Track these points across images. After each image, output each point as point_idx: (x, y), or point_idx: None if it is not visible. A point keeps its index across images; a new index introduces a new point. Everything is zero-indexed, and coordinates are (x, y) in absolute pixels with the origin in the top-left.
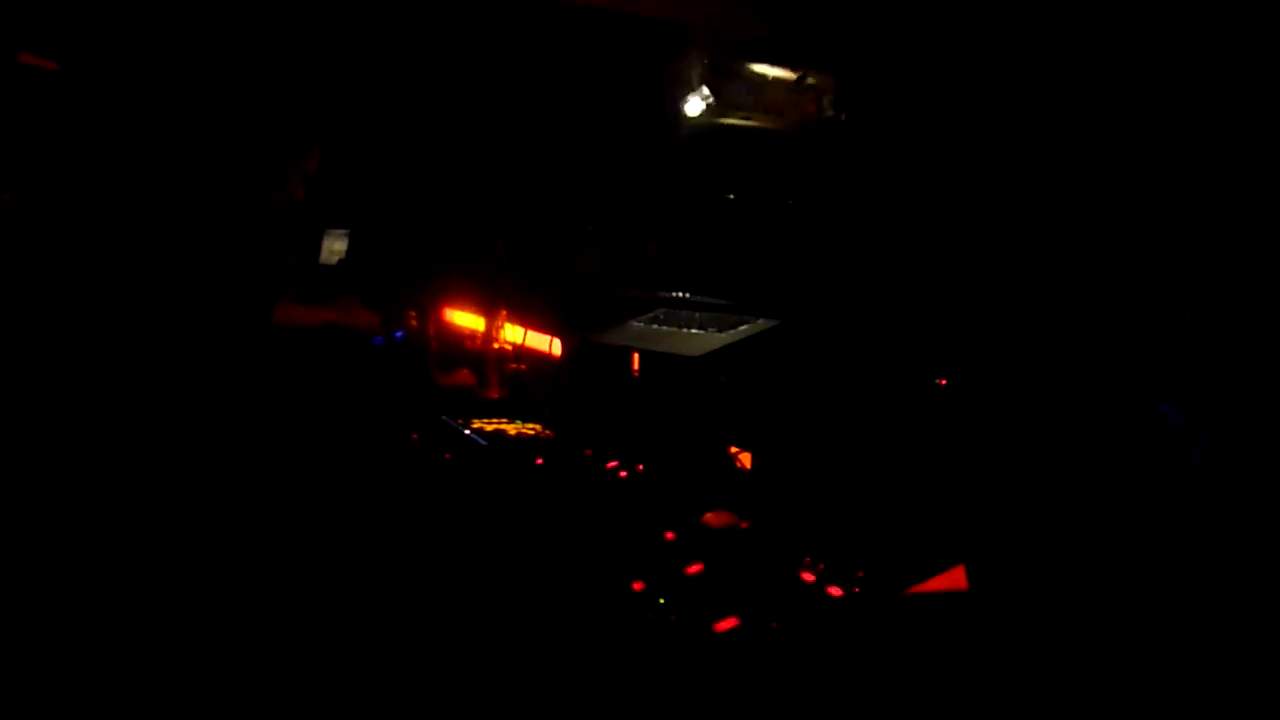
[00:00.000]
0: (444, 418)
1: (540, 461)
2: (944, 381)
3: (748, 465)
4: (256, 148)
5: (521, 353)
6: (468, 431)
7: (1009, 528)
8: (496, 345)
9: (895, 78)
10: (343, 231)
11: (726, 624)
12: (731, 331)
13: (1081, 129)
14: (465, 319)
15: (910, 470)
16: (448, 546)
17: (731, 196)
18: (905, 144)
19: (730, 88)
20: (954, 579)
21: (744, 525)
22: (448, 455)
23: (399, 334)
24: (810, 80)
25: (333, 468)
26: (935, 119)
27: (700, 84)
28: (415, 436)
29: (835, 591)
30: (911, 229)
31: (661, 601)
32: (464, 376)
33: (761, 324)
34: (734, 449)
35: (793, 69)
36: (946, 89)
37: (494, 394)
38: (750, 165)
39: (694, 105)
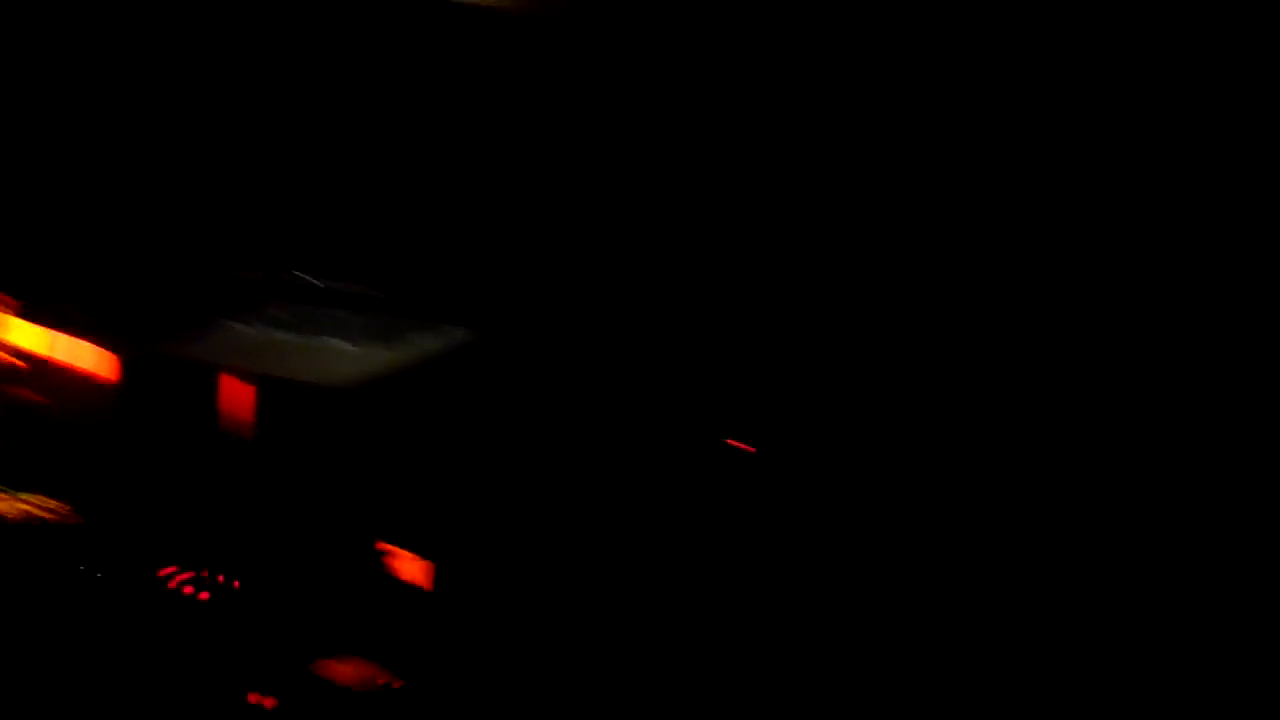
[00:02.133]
0: None
1: (46, 568)
2: (748, 448)
3: (419, 579)
4: None
5: (37, 370)
6: None
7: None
8: None
9: None
10: None
11: None
12: (403, 345)
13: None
14: None
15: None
16: None
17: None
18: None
19: None
20: None
21: (395, 684)
22: None
23: None
24: None
25: None
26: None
27: None
28: None
29: None
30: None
31: None
32: None
33: (456, 335)
34: (388, 548)
35: None
36: None
37: None
38: (453, 66)
39: None
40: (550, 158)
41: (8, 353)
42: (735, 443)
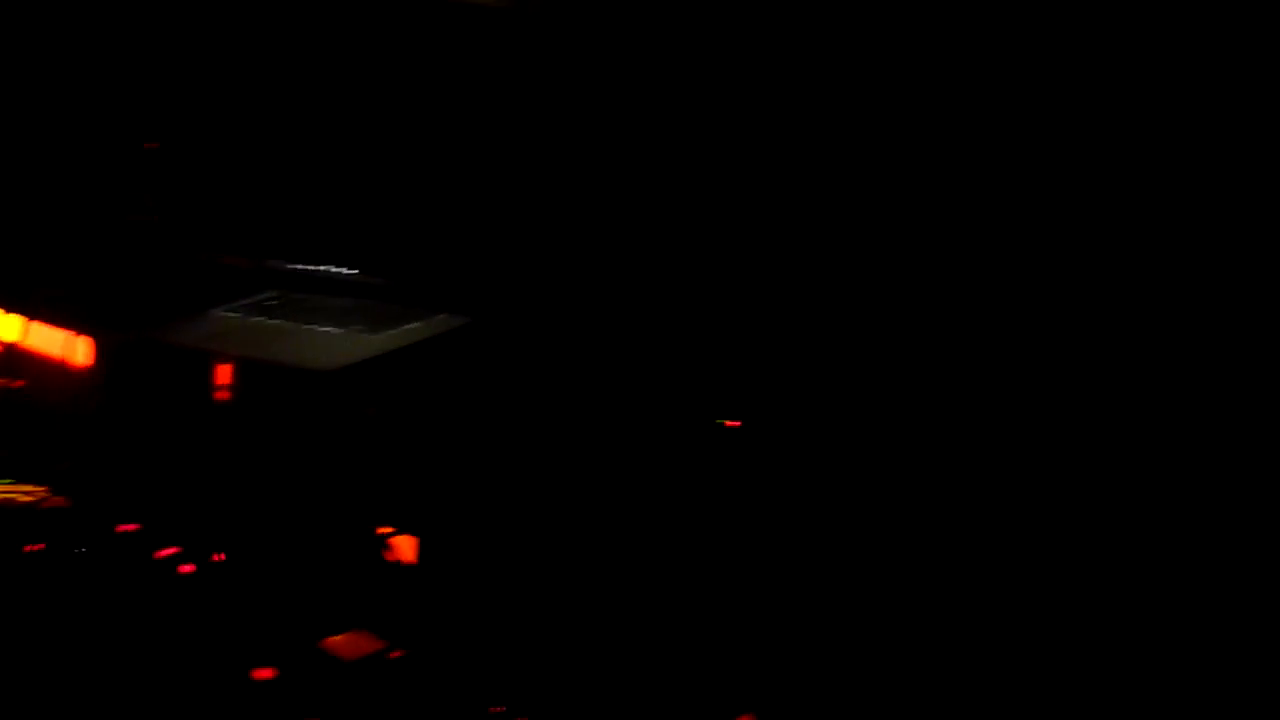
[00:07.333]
0: None
1: (38, 547)
2: (734, 424)
3: (411, 557)
4: None
5: (18, 359)
6: None
7: None
8: None
9: None
10: None
11: None
12: (391, 332)
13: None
14: None
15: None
16: None
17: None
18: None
19: None
20: None
21: (395, 654)
22: None
23: None
24: None
25: None
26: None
27: None
28: None
29: None
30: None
31: None
32: None
33: (443, 321)
34: (384, 530)
35: None
36: None
37: None
38: (442, 59)
39: None
40: (542, 150)
41: None
42: (728, 422)
